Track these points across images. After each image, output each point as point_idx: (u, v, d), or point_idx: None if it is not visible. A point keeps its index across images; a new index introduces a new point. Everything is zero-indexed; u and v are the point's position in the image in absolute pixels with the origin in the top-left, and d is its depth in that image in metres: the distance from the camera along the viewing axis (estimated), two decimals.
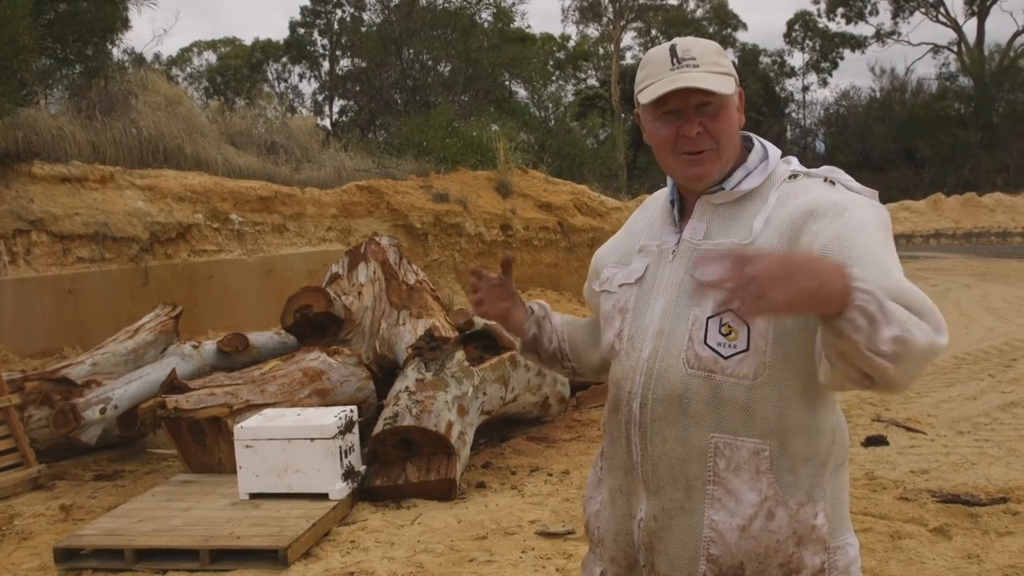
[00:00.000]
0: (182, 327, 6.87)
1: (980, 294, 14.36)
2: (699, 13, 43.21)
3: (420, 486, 4.69)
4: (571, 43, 41.94)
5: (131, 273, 8.97)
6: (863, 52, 45.65)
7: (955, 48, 42.45)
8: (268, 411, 4.88)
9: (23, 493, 5.12)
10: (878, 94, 43.35)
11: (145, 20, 26.94)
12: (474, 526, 4.25)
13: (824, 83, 52.28)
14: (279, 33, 57.27)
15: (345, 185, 12.18)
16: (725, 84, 1.49)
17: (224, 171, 10.73)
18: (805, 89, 46.84)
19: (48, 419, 5.46)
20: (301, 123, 14.72)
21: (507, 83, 27.65)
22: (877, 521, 4.14)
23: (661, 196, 1.71)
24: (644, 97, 1.52)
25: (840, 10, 43.42)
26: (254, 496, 4.51)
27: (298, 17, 33.67)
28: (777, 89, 45.64)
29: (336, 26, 32.13)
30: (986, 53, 40.50)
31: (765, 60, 45.48)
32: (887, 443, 5.59)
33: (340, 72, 33.17)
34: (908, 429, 5.97)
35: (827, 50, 45.26)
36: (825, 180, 1.52)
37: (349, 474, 4.59)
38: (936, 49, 43.78)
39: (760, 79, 41.84)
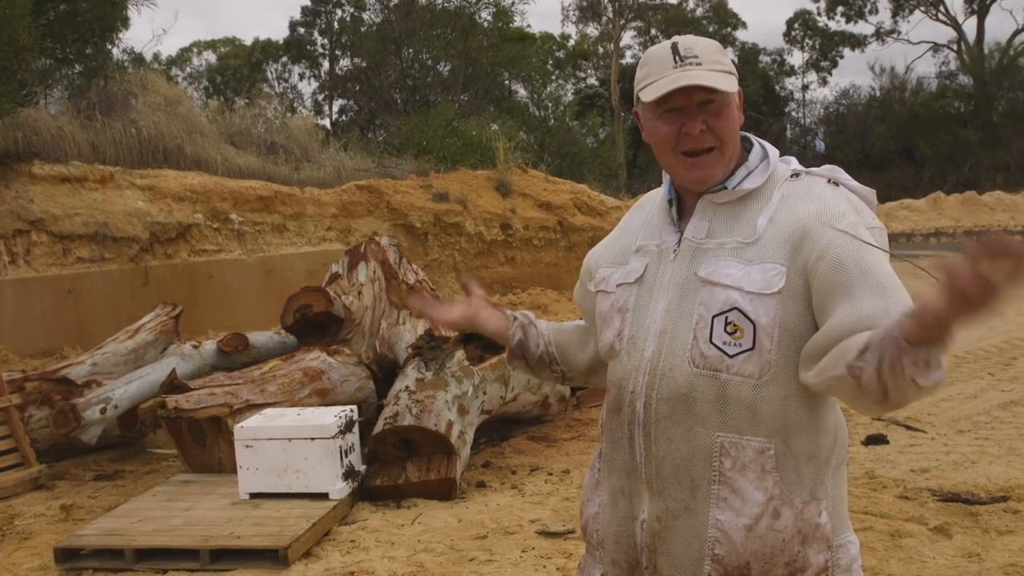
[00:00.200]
0: (182, 327, 6.87)
1: None
2: (699, 12, 43.22)
3: (420, 486, 4.69)
4: (571, 42, 41.96)
5: (131, 273, 8.97)
6: (863, 51, 45.70)
7: (955, 47, 42.45)
8: (268, 411, 4.88)
9: (23, 493, 5.12)
10: (878, 93, 43.35)
11: (144, 20, 26.95)
12: (474, 525, 4.25)
13: (824, 82, 52.17)
14: (279, 33, 57.30)
15: (345, 185, 12.19)
16: (728, 82, 1.49)
17: (224, 171, 10.74)
18: (805, 88, 46.85)
19: (48, 419, 5.46)
20: (301, 123, 14.73)
21: (507, 82, 27.66)
22: (877, 520, 4.13)
23: (656, 196, 1.70)
24: (647, 95, 1.51)
25: (840, 9, 43.41)
26: (254, 496, 4.51)
27: (299, 17, 33.70)
28: (777, 88, 45.62)
29: (336, 26, 32.13)
30: (986, 51, 40.48)
31: (765, 59, 45.47)
32: (887, 442, 5.59)
33: (340, 72, 33.17)
34: (908, 428, 5.97)
35: (827, 49, 45.23)
36: (829, 181, 1.53)
37: (349, 474, 4.59)
38: (936, 48, 43.78)
39: (760, 78, 41.83)
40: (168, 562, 3.89)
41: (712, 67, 1.49)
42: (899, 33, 44.03)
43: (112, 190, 9.14)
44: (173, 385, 5.12)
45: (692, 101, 1.49)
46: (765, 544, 1.46)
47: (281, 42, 36.03)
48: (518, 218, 14.01)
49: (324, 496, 4.44)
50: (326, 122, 32.53)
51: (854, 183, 1.55)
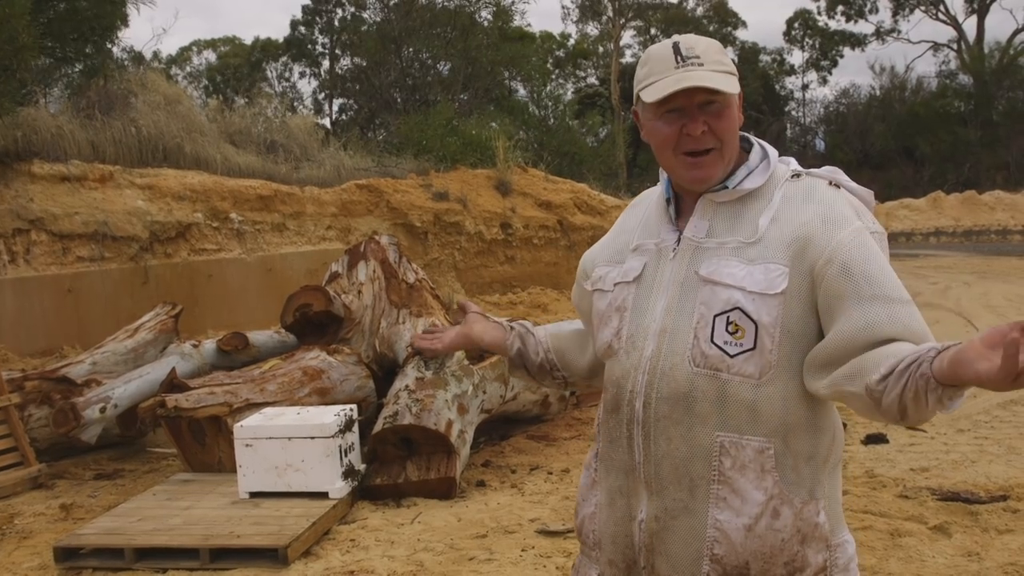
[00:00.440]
0: (182, 326, 6.86)
1: (980, 292, 14.36)
2: (699, 11, 43.21)
3: (420, 485, 4.69)
4: (571, 42, 41.95)
5: (131, 272, 8.97)
6: (863, 50, 45.67)
7: (955, 46, 42.45)
8: (268, 410, 4.88)
9: (23, 492, 5.12)
10: (878, 92, 43.36)
11: (144, 19, 27.02)
12: (474, 524, 4.25)
13: (824, 81, 52.30)
14: (279, 32, 57.26)
15: (345, 184, 12.18)
16: (730, 83, 1.49)
17: (223, 170, 10.73)
18: (805, 87, 46.86)
19: (48, 418, 5.46)
20: (300, 122, 14.72)
21: (507, 82, 27.65)
22: (877, 519, 4.14)
23: (652, 194, 1.70)
24: (648, 95, 1.50)
25: (840, 8, 43.40)
26: (254, 495, 4.51)
27: (300, 16, 33.70)
28: (777, 87, 45.62)
29: (336, 24, 32.13)
30: (986, 51, 40.48)
31: (765, 58, 45.48)
32: (887, 441, 5.59)
33: (340, 71, 33.17)
34: (908, 427, 5.97)
35: (827, 48, 45.24)
36: (830, 183, 1.54)
37: (349, 473, 4.59)
38: (936, 47, 43.78)
39: (760, 77, 41.83)
40: (168, 561, 3.89)
41: (714, 67, 1.48)
42: (899, 32, 44.11)
43: (112, 189, 9.14)
44: (173, 384, 5.12)
45: (694, 102, 1.49)
46: (764, 544, 1.46)
47: (281, 41, 36.04)
48: (518, 217, 14.01)
49: (324, 495, 4.44)
50: (326, 121, 32.55)
51: (853, 184, 1.56)
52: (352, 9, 29.86)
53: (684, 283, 1.53)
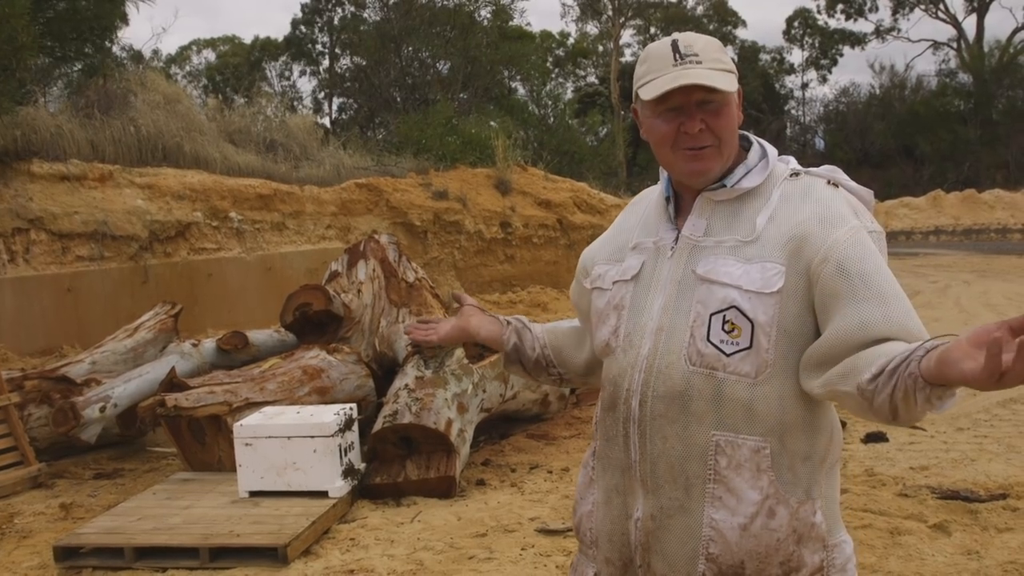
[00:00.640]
0: (181, 325, 6.86)
1: (980, 290, 14.36)
2: (699, 10, 43.20)
3: (420, 484, 4.69)
4: (570, 40, 41.93)
5: (130, 271, 8.97)
6: (863, 49, 45.58)
7: (955, 44, 42.45)
8: (268, 409, 4.88)
9: (23, 491, 5.12)
10: (878, 91, 43.35)
11: (144, 18, 27.06)
12: (474, 523, 4.25)
13: (824, 80, 52.36)
14: (278, 31, 57.25)
15: (344, 183, 12.18)
16: (728, 81, 1.49)
17: (223, 169, 10.73)
18: (805, 86, 46.85)
19: (48, 417, 5.46)
20: (300, 121, 14.72)
21: (506, 81, 27.65)
22: (877, 517, 4.13)
23: (652, 193, 1.70)
24: (646, 93, 1.50)
25: (840, 7, 43.39)
26: (254, 494, 4.51)
27: (300, 15, 33.68)
28: (777, 86, 45.61)
29: (336, 23, 32.12)
30: (986, 49, 40.47)
31: (764, 57, 45.47)
32: (887, 439, 5.59)
33: (339, 70, 33.17)
34: (903, 426, 5.97)
35: (826, 47, 45.23)
36: (828, 182, 1.53)
37: (349, 472, 4.59)
38: (936, 45, 43.76)
39: (760, 76, 41.83)
40: (167, 560, 3.89)
41: (712, 66, 1.48)
42: (899, 31, 44.15)
43: (111, 188, 9.14)
44: (172, 383, 5.12)
45: (691, 100, 1.48)
46: (760, 543, 1.45)
47: (281, 40, 36.02)
48: (517, 216, 14.00)
49: (323, 494, 4.44)
50: (325, 120, 32.55)
51: (852, 184, 1.55)
52: (352, 8, 29.86)
53: (681, 282, 1.53)
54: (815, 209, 1.47)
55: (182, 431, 5.00)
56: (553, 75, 35.53)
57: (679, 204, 1.61)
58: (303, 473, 4.48)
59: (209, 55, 39.59)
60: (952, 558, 3.68)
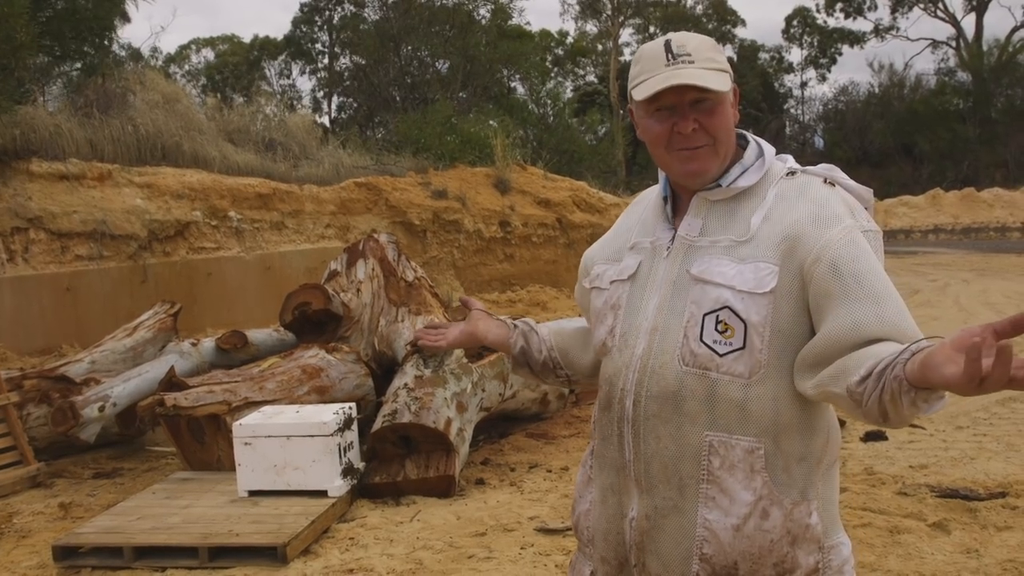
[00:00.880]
0: (181, 325, 6.86)
1: (979, 289, 14.37)
2: (698, 9, 43.19)
3: (419, 483, 4.69)
4: (569, 39, 41.92)
5: (129, 271, 8.97)
6: (862, 48, 45.63)
7: (954, 43, 42.46)
8: (267, 408, 4.88)
9: (22, 491, 5.12)
10: (877, 90, 43.37)
11: (143, 17, 27.09)
12: (473, 523, 4.25)
13: (823, 79, 52.38)
14: (278, 30, 57.20)
15: (343, 182, 12.18)
16: (720, 81, 1.47)
17: (222, 168, 10.73)
18: (804, 85, 46.85)
19: (47, 417, 5.46)
20: (299, 120, 14.71)
21: (505, 80, 27.65)
22: (876, 516, 4.14)
23: (652, 193, 1.70)
24: (638, 93, 1.50)
25: (839, 5, 43.39)
26: (253, 493, 4.51)
27: (300, 14, 33.66)
28: (776, 85, 45.60)
29: (336, 22, 32.11)
30: (984, 48, 40.47)
31: (764, 56, 45.45)
32: (886, 438, 5.59)
33: (339, 69, 33.16)
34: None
35: (825, 46, 45.22)
36: (825, 181, 1.52)
37: (348, 471, 4.59)
38: (935, 44, 43.78)
39: (759, 75, 41.77)
40: (167, 560, 3.89)
41: (705, 65, 1.47)
42: (898, 30, 44.10)
43: (110, 188, 9.13)
44: (172, 383, 5.12)
45: (684, 100, 1.48)
46: (753, 544, 1.45)
47: (280, 39, 36.01)
48: (517, 215, 14.00)
49: (323, 494, 4.44)
50: (325, 119, 32.54)
51: (850, 182, 1.54)
52: (351, 7, 29.85)
53: (676, 282, 1.53)
54: (810, 208, 1.46)
55: (181, 430, 5.00)
56: (552, 74, 35.53)
57: (676, 204, 1.60)
58: (302, 472, 4.48)
59: (208, 54, 39.60)
60: (951, 556, 3.68)
